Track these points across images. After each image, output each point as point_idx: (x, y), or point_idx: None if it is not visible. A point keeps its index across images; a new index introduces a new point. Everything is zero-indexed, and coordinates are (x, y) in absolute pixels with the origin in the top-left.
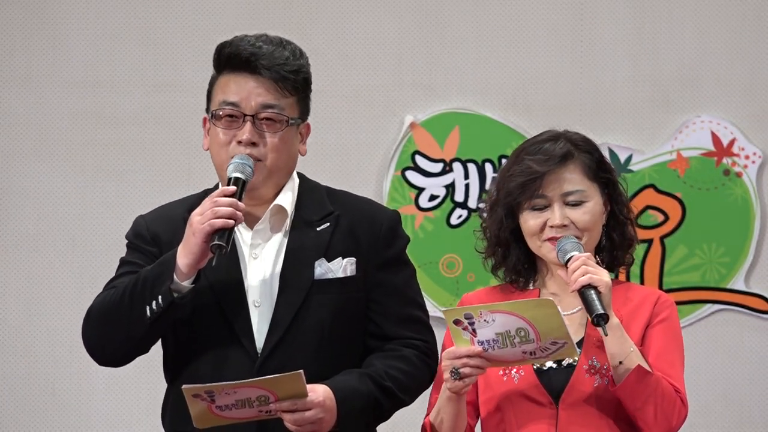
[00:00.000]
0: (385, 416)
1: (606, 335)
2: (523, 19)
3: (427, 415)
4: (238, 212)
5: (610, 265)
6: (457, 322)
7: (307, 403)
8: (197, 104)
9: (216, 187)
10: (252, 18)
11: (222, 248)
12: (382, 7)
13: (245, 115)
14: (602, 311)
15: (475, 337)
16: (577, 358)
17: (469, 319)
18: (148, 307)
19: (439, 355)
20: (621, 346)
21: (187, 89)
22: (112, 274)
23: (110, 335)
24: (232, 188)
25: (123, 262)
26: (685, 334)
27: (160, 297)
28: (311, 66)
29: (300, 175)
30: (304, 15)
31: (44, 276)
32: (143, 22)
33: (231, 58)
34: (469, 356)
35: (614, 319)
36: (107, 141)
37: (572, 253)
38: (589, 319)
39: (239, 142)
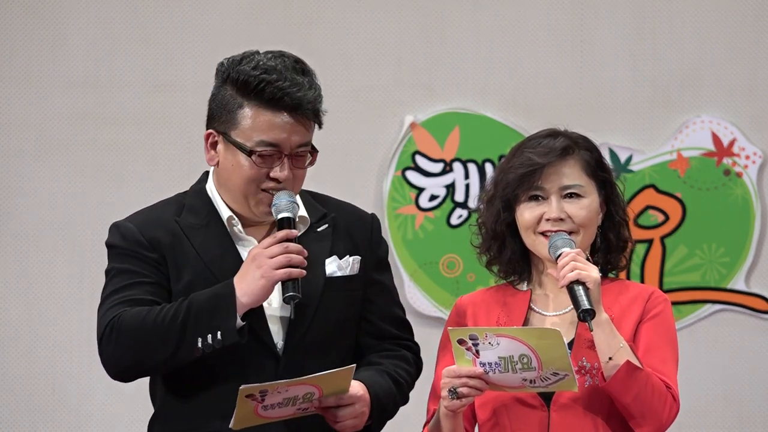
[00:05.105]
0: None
1: (591, 330)
2: (523, 19)
3: (426, 424)
4: (304, 260)
5: (604, 268)
6: (461, 342)
7: (350, 398)
8: (197, 104)
9: (190, 193)
10: (252, 18)
11: (296, 299)
12: (383, 8)
13: (284, 154)
14: (588, 307)
15: (477, 358)
16: (576, 390)
17: (473, 340)
18: (200, 339)
19: (435, 358)
20: (610, 342)
21: (187, 89)
22: None
23: (148, 357)
24: (295, 232)
25: (119, 270)
26: (685, 334)
27: (219, 333)
28: (312, 66)
29: None
30: (304, 15)
31: (44, 276)
32: (143, 22)
33: (274, 96)
34: (469, 377)
35: (603, 315)
36: (107, 141)
37: (563, 249)
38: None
39: (274, 179)
